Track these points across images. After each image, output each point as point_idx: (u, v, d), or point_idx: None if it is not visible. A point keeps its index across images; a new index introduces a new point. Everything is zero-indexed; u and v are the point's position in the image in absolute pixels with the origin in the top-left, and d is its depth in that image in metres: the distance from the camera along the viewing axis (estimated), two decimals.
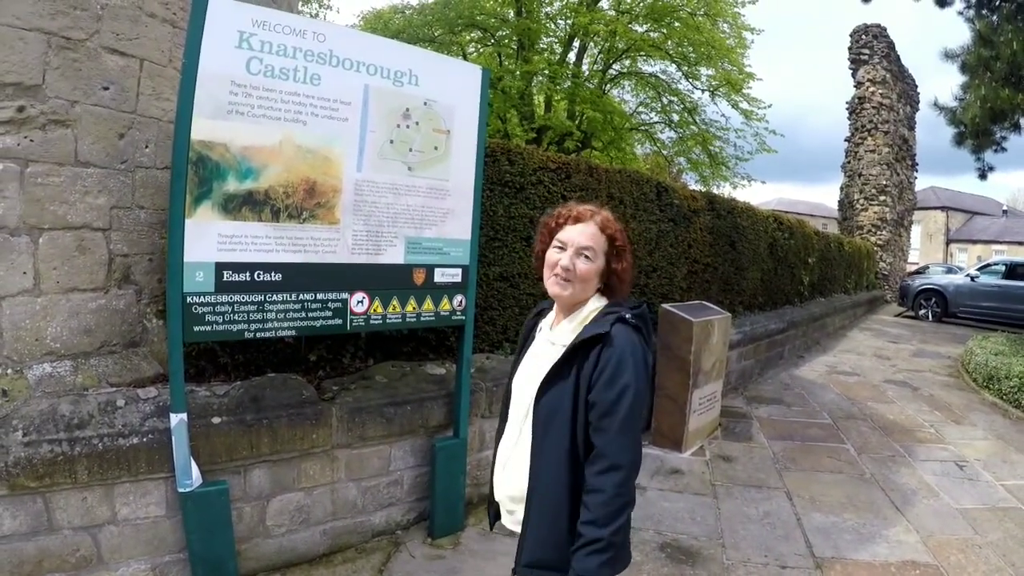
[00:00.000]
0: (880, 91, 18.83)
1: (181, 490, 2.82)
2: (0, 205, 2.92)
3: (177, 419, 2.74)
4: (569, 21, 18.13)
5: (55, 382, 3.06)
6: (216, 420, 3.01)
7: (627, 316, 1.68)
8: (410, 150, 3.25)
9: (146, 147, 3.42)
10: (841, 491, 4.60)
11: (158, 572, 3.00)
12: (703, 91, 19.39)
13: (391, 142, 3.18)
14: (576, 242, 1.74)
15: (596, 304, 1.78)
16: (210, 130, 2.67)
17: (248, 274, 2.81)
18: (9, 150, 2.93)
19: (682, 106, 19.84)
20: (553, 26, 18.74)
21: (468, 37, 19.66)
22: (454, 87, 3.40)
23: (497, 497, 1.98)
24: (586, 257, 1.73)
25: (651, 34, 18.31)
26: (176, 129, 2.66)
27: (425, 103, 3.27)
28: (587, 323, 1.73)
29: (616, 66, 19.72)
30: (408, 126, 3.22)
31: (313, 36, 2.92)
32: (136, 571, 2.95)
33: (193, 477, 2.83)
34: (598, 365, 1.63)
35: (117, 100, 3.27)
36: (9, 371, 3.00)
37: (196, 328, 2.71)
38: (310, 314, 3.01)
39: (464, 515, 3.81)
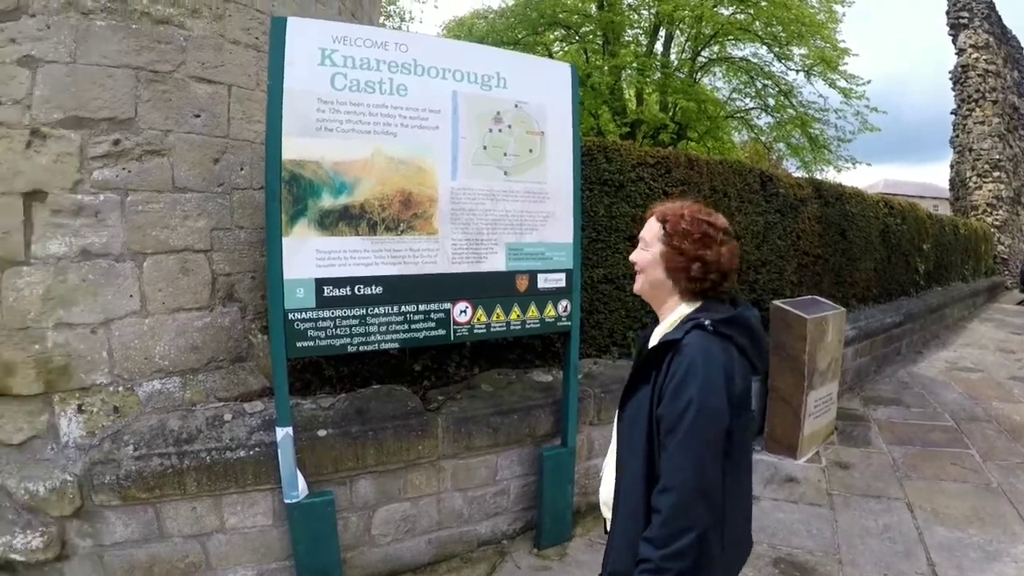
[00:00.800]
0: (984, 57, 17.43)
1: (288, 501, 2.87)
2: (104, 233, 3.09)
3: (283, 433, 2.79)
4: (652, 10, 17.74)
5: (164, 398, 3.21)
6: (322, 432, 3.05)
7: (706, 322, 1.54)
8: (504, 154, 3.19)
9: (241, 169, 3.53)
10: (966, 503, 4.21)
11: None
12: (797, 71, 18.39)
13: (484, 147, 3.12)
14: (640, 237, 1.76)
15: (684, 309, 1.68)
16: (301, 148, 2.70)
17: (348, 288, 2.82)
18: (108, 182, 3.09)
19: (777, 89, 18.93)
20: (636, 16, 18.35)
21: (552, 36, 19.54)
22: (544, 87, 3.32)
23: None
24: (641, 249, 1.74)
25: (737, 16, 17.55)
26: (267, 150, 2.70)
27: (516, 105, 3.20)
28: (670, 330, 1.64)
29: (705, 53, 19.08)
30: (500, 130, 3.16)
31: (395, 47, 2.91)
32: None
33: (299, 488, 2.87)
34: (668, 375, 1.53)
35: (209, 126, 3.39)
36: (120, 389, 3.16)
37: (299, 344, 2.74)
38: (413, 326, 3.00)
39: (571, 525, 3.73)
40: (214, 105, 3.41)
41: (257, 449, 2.94)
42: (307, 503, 2.90)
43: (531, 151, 3.27)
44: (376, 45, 2.87)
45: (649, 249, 1.71)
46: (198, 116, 3.34)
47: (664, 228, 1.68)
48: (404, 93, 2.91)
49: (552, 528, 3.60)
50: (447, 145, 3.02)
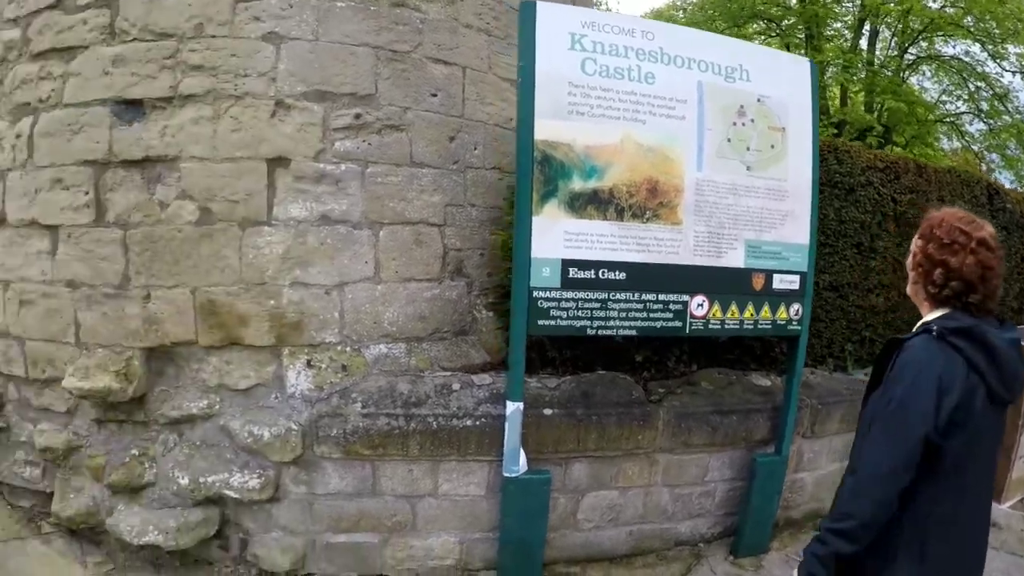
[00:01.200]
0: None
1: (507, 474, 2.94)
2: (344, 201, 3.28)
3: (513, 407, 2.86)
4: (857, 3, 16.64)
5: (390, 362, 3.37)
6: (547, 412, 3.11)
7: (933, 328, 1.57)
8: (747, 149, 3.11)
9: (475, 149, 3.65)
10: None
11: (466, 547, 3.19)
12: (1013, 73, 16.55)
13: (728, 140, 3.06)
14: None
15: (931, 315, 1.68)
16: (552, 130, 2.75)
17: (593, 271, 2.84)
18: (349, 153, 3.27)
19: (991, 92, 17.07)
20: (840, 9, 17.25)
21: (752, 29, 18.71)
22: (785, 82, 3.21)
23: None
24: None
25: (947, 10, 16.01)
26: (519, 130, 2.77)
27: (758, 99, 3.12)
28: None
29: (912, 50, 17.55)
30: (744, 124, 3.09)
31: (642, 34, 2.91)
32: (445, 542, 3.17)
33: (520, 463, 2.93)
34: (889, 373, 1.61)
35: (445, 105, 3.53)
36: (348, 349, 3.34)
37: (540, 322, 2.80)
38: (651, 315, 2.98)
39: (770, 537, 3.61)
40: (449, 85, 3.55)
41: (483, 420, 3.04)
42: (525, 479, 2.96)
43: (773, 147, 3.17)
44: (624, 32, 2.88)
45: (912, 252, 1.76)
46: (435, 95, 3.48)
47: (920, 231, 1.73)
48: (652, 81, 2.90)
49: (752, 537, 3.50)
50: (693, 135, 2.98)
